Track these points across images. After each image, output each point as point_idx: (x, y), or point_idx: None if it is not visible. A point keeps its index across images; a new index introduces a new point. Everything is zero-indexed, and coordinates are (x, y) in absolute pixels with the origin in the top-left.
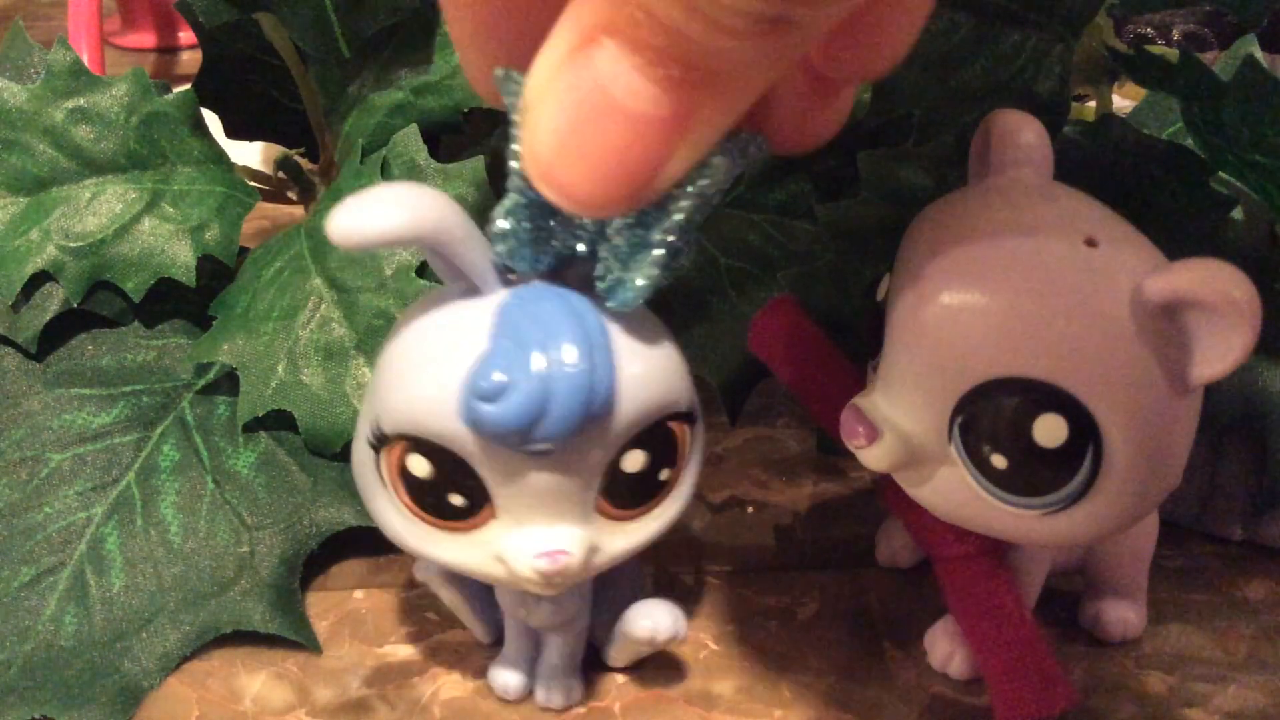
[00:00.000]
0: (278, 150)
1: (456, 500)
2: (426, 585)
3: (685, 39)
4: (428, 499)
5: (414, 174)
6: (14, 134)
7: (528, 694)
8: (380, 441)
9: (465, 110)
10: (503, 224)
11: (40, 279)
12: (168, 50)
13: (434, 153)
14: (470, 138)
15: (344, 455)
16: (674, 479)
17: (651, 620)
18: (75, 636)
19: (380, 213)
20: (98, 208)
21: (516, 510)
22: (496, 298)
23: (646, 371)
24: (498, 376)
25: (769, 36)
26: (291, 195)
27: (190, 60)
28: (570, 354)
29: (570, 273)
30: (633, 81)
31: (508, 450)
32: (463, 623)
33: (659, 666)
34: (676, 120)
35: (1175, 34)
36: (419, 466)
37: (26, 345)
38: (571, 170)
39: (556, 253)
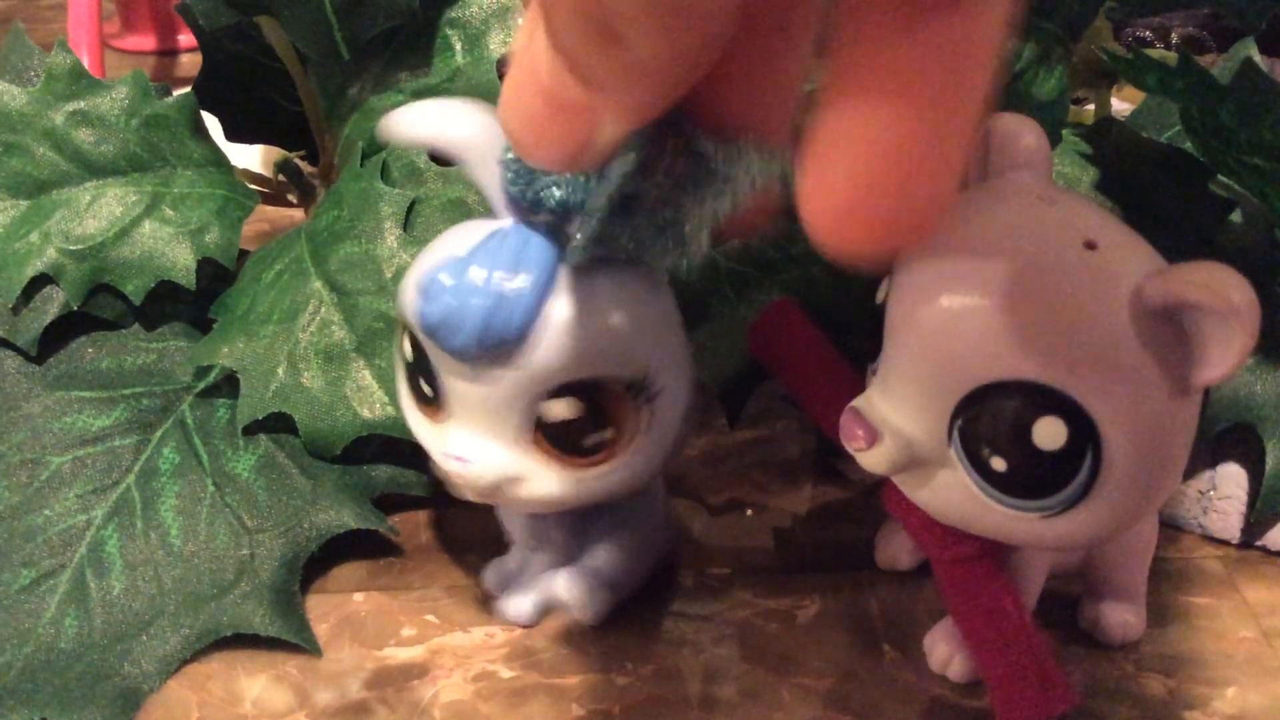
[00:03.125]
0: (277, 153)
1: (426, 388)
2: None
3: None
4: (410, 380)
5: (414, 177)
6: (14, 137)
7: (498, 595)
8: (398, 318)
9: None
10: (507, 154)
11: (40, 282)
12: (167, 53)
13: (433, 155)
14: None
15: (344, 458)
16: (617, 444)
17: (564, 583)
18: (75, 639)
19: (419, 119)
20: (98, 210)
21: (459, 414)
22: (499, 224)
23: (586, 330)
24: (439, 278)
25: (609, 51)
26: (291, 198)
27: (190, 63)
28: (494, 281)
29: (573, 225)
30: (553, 66)
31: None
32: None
33: (663, 668)
34: (588, 108)
35: (1174, 37)
36: (406, 350)
37: (26, 348)
38: (511, 123)
39: (549, 199)
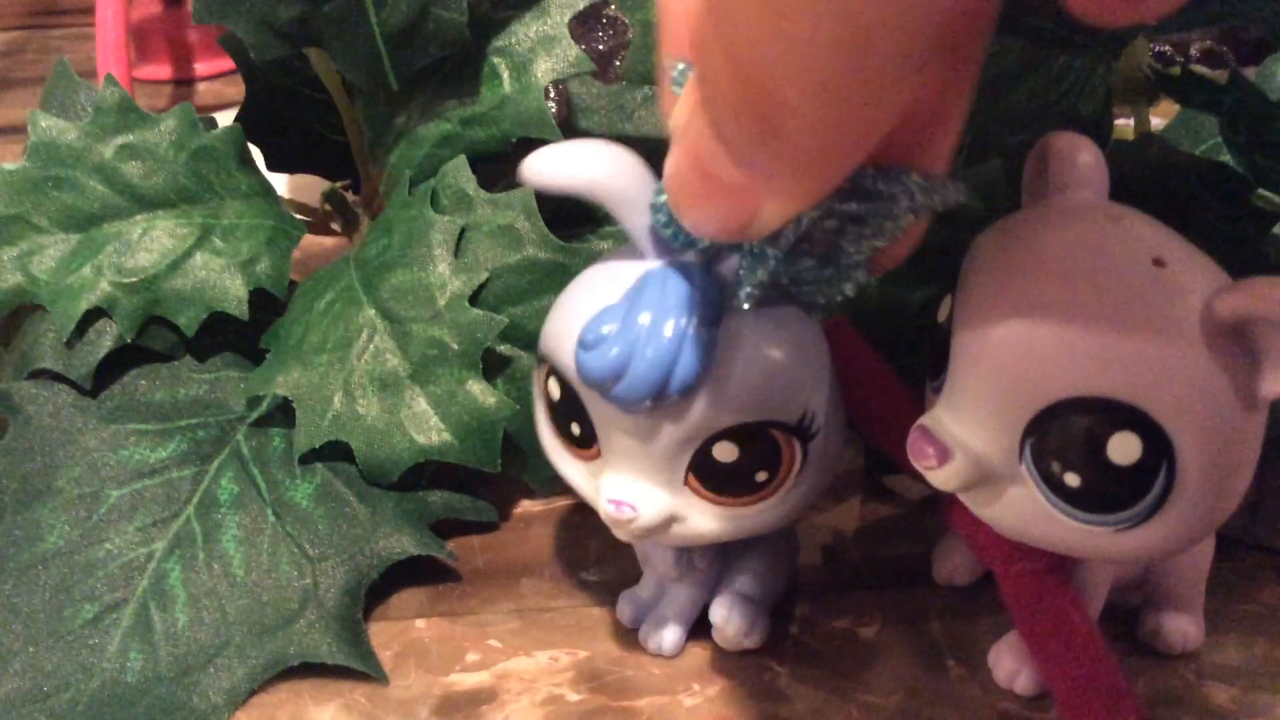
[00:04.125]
0: (305, 181)
1: (575, 428)
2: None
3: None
4: (557, 419)
5: (463, 204)
6: (65, 171)
7: (636, 628)
8: (540, 359)
9: (513, 140)
10: (659, 198)
11: (93, 315)
12: (183, 82)
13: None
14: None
15: (401, 485)
16: (775, 484)
17: (725, 613)
18: (141, 673)
19: (562, 162)
20: (149, 243)
21: (613, 456)
22: (649, 264)
23: (752, 376)
24: (603, 329)
25: (771, 142)
26: (335, 227)
27: (207, 91)
28: (665, 330)
29: (727, 264)
30: (715, 150)
31: (606, 400)
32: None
33: (729, 689)
34: (750, 191)
35: (1193, 51)
36: (554, 389)
37: (81, 382)
38: (681, 203)
39: (702, 240)
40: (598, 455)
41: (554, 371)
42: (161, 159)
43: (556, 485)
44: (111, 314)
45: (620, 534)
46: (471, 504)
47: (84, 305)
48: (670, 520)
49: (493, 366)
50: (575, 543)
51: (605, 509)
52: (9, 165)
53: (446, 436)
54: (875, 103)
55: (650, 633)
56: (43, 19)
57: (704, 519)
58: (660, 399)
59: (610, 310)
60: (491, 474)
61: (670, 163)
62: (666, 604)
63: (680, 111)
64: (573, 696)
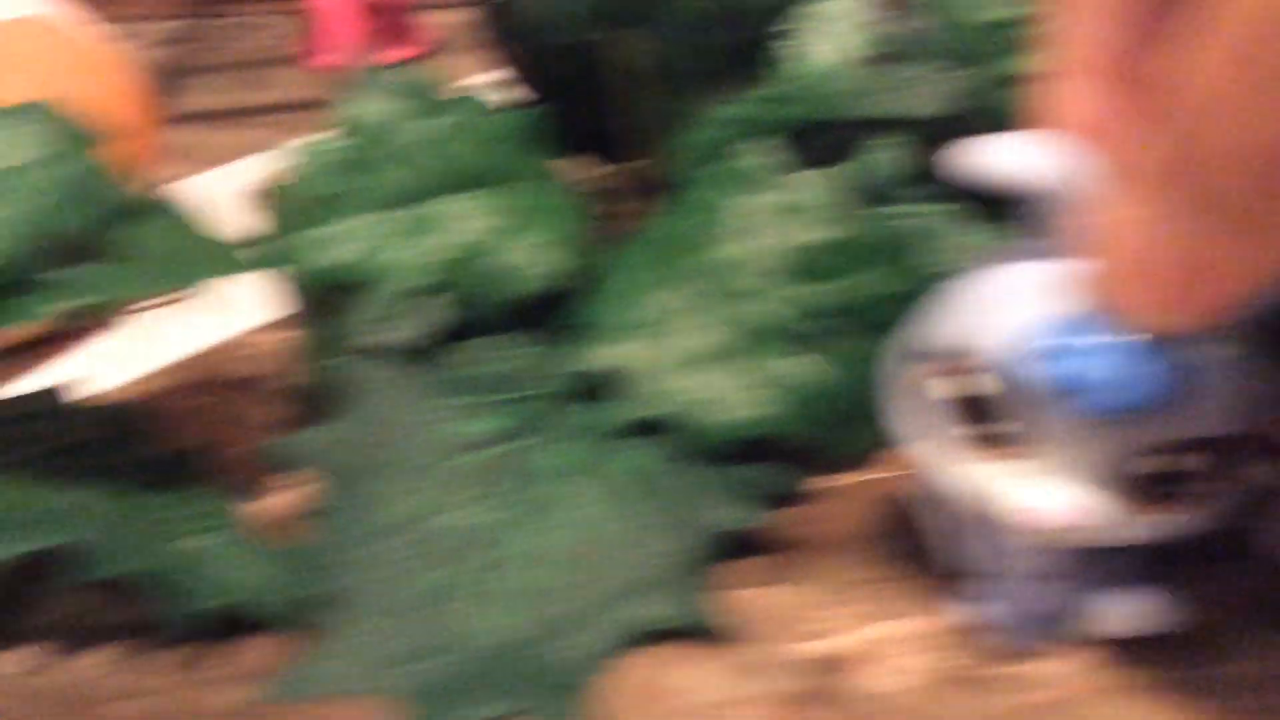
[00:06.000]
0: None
1: (994, 430)
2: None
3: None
4: (970, 418)
5: (765, 183)
6: (379, 151)
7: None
8: (924, 354)
9: (812, 120)
10: (1058, 347)
11: (409, 293)
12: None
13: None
14: (809, 145)
15: (727, 456)
16: (1203, 496)
17: (1122, 603)
18: (493, 639)
19: (1002, 156)
20: (460, 224)
21: (1047, 461)
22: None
23: (1217, 392)
24: (1069, 339)
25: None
26: (628, 206)
27: None
28: (1143, 344)
29: None
30: (1194, 228)
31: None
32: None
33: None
34: (1240, 263)
35: None
36: (971, 386)
37: (399, 358)
38: (1136, 301)
39: None
40: (1014, 456)
41: (964, 370)
42: (466, 141)
43: (872, 458)
44: (430, 291)
45: (1039, 539)
46: (796, 477)
47: (399, 284)
48: (1096, 527)
49: (813, 341)
50: (898, 514)
51: (1036, 516)
52: (325, 145)
53: (773, 409)
54: None
55: (1111, 611)
56: (208, 7)
57: (1126, 525)
58: (1128, 413)
59: (1074, 320)
60: (815, 446)
61: (1108, 269)
62: (1051, 601)
63: (1102, 212)
64: (939, 663)
